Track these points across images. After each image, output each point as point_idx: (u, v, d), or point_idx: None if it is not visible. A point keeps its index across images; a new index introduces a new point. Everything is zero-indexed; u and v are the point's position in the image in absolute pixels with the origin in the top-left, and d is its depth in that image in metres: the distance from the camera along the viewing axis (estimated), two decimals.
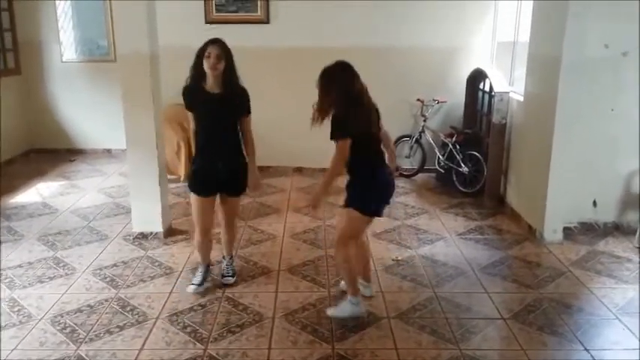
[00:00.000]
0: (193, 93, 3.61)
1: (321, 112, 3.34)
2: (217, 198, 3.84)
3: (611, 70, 4.77)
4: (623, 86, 4.80)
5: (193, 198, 3.77)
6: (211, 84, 3.57)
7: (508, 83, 5.92)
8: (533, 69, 5.12)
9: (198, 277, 3.97)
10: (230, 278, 4.04)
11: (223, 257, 4.16)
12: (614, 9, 4.64)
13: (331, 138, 3.29)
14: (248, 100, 3.68)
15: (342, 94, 3.29)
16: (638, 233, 4.75)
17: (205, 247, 3.96)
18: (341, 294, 3.82)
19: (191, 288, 3.92)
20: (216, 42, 3.53)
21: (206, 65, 3.48)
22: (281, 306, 3.75)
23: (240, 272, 4.21)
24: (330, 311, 3.59)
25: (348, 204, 3.44)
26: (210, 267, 4.09)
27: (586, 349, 3.28)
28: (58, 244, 4.75)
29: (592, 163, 4.90)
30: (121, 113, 4.72)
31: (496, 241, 4.88)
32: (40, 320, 3.56)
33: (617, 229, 5.05)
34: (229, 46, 3.56)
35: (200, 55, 3.50)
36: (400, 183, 6.58)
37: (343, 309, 3.54)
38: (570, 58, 4.49)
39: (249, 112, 3.71)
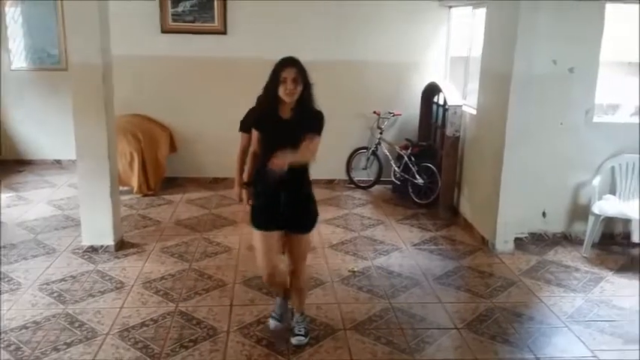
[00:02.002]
0: (264, 115, 3.22)
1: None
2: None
3: (559, 86, 4.93)
4: (571, 101, 4.98)
5: (255, 234, 3.26)
6: (285, 109, 3.14)
7: (461, 97, 6.05)
8: (485, 83, 5.25)
9: (276, 310, 3.58)
10: (302, 338, 3.42)
11: (292, 312, 3.59)
12: (562, 27, 4.81)
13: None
14: (320, 123, 3.18)
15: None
16: (585, 243, 4.91)
17: (277, 286, 3.52)
18: None
19: (271, 323, 3.55)
20: (292, 64, 3.07)
21: (281, 91, 3.05)
22: (236, 319, 3.70)
23: (194, 286, 4.14)
24: None
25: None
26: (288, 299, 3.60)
27: (537, 357, 3.36)
28: (3, 259, 4.56)
29: (541, 176, 5.04)
30: (71, 123, 4.60)
31: (450, 251, 4.96)
32: None
33: (566, 239, 5.20)
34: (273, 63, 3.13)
35: (274, 78, 3.07)
36: (357, 194, 6.63)
37: None
38: (520, 73, 4.63)
39: (318, 133, 3.17)
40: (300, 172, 3.18)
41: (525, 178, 4.86)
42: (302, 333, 3.45)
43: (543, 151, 4.99)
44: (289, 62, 3.08)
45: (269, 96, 3.14)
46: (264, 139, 3.21)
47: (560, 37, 4.83)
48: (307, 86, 3.12)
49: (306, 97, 3.13)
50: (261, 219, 3.24)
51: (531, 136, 4.84)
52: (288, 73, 3.04)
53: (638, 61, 5.02)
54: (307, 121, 3.15)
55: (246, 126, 3.61)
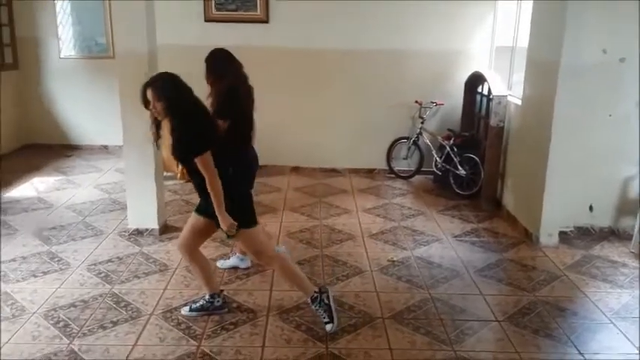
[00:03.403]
0: None
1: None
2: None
3: (609, 76, 4.78)
4: (621, 92, 4.82)
5: None
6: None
7: (506, 87, 5.93)
8: (531, 73, 5.12)
9: (196, 302, 3.63)
10: (329, 325, 3.38)
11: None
12: (612, 15, 4.66)
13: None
14: (183, 144, 3.15)
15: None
16: (634, 238, 4.76)
17: (194, 270, 3.63)
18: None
19: (183, 309, 3.62)
20: (145, 86, 3.16)
21: None
22: (275, 304, 3.74)
23: (235, 270, 4.21)
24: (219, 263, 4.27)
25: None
26: (218, 296, 3.62)
27: (580, 353, 3.28)
28: (53, 239, 4.73)
29: (589, 168, 4.91)
30: (118, 110, 4.72)
31: (492, 243, 4.88)
32: (33, 314, 3.55)
33: (613, 234, 5.05)
34: (166, 78, 3.21)
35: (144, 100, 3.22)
36: (397, 184, 6.59)
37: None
38: (568, 63, 4.49)
39: (193, 154, 3.10)
40: (199, 183, 3.22)
41: (572, 170, 4.74)
42: (325, 320, 3.40)
43: (591, 143, 4.86)
44: (144, 85, 3.16)
45: None
46: None
47: (610, 26, 4.67)
48: (167, 101, 3.10)
49: (171, 114, 3.13)
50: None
51: (579, 128, 4.70)
52: (148, 96, 3.13)
53: None
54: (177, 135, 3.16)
55: None
